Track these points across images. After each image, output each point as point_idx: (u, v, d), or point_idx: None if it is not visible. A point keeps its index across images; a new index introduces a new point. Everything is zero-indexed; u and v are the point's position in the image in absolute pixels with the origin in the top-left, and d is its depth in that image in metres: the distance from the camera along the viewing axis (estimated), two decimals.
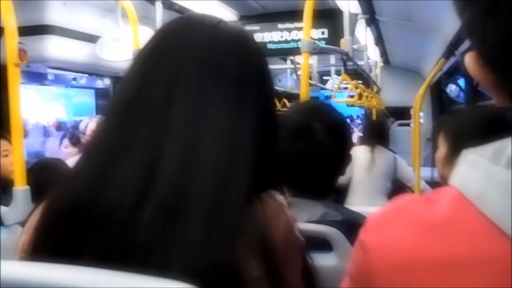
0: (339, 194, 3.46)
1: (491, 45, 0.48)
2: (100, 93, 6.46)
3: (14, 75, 1.79)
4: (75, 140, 3.90)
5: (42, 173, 2.19)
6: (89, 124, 3.31)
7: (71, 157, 3.84)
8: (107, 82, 5.69)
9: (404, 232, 0.56)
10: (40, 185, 2.10)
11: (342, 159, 1.35)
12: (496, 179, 0.48)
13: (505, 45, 0.47)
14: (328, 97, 7.03)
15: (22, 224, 1.91)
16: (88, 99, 6.80)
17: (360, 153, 3.61)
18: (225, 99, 0.67)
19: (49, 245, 0.64)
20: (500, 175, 0.48)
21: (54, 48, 2.87)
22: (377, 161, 3.63)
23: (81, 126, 3.34)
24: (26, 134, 3.35)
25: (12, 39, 1.77)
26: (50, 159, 2.68)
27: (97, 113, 6.77)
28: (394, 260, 0.56)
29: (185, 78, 0.67)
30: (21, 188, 1.82)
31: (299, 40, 4.12)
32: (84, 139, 3.32)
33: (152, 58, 0.70)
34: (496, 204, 0.48)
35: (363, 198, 3.56)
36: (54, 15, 2.86)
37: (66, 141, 3.82)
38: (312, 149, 1.28)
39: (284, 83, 6.13)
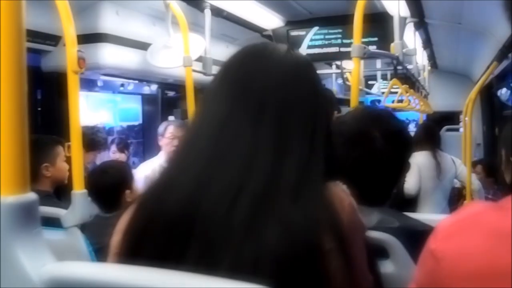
0: (406, 205, 3.30)
1: None
2: (146, 99, 6.57)
3: (73, 83, 1.85)
4: (122, 146, 3.99)
5: (103, 176, 2.24)
6: (168, 127, 3.35)
7: None
8: (153, 88, 5.78)
9: (479, 241, 0.55)
10: (102, 188, 2.16)
11: (400, 167, 1.32)
12: None
13: None
14: (374, 102, 6.96)
15: (81, 226, 1.99)
16: (134, 105, 6.93)
17: (424, 160, 3.47)
18: (304, 112, 0.82)
19: (150, 246, 0.74)
20: None
21: (108, 55, 2.94)
22: (442, 166, 3.51)
23: (160, 129, 3.41)
24: (104, 148, 3.51)
25: (72, 47, 1.83)
26: (112, 162, 2.70)
27: (143, 119, 6.90)
28: (468, 269, 0.55)
29: (272, 98, 0.81)
30: (79, 191, 1.87)
31: (345, 44, 4.10)
32: (162, 142, 3.37)
33: (239, 81, 0.83)
34: None
35: (433, 205, 3.43)
36: (108, 23, 2.94)
37: (113, 147, 3.90)
38: (369, 157, 1.26)
39: (329, 87, 6.09)
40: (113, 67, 3.09)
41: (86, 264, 0.57)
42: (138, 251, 0.74)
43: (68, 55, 1.83)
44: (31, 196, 0.57)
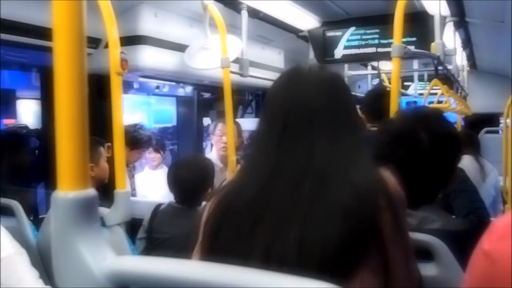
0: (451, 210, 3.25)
1: None
2: (181, 101, 6.63)
3: (116, 84, 1.89)
4: (158, 147, 4.07)
5: (186, 171, 2.24)
6: (218, 125, 3.48)
7: (153, 163, 4.02)
8: (188, 90, 5.83)
9: None
10: (182, 182, 2.16)
11: (447, 171, 1.29)
12: None
13: None
14: (409, 103, 6.84)
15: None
16: (168, 106, 7.01)
17: (468, 164, 3.29)
18: (345, 112, 1.00)
19: (228, 229, 0.92)
20: None
21: (147, 57, 2.97)
22: (485, 169, 3.42)
23: (211, 128, 3.61)
24: (148, 146, 3.63)
25: (115, 49, 1.86)
26: (197, 158, 2.68)
27: (178, 121, 6.96)
28: None
29: (318, 109, 0.96)
30: (122, 191, 1.90)
31: (382, 45, 4.04)
32: (213, 140, 3.53)
33: (287, 102, 0.98)
34: None
35: None
36: (147, 26, 2.97)
37: (150, 148, 3.98)
38: (414, 158, 1.23)
39: (364, 88, 6.03)
40: (151, 68, 3.13)
41: (146, 259, 0.58)
42: (217, 234, 0.93)
43: (112, 57, 1.87)
44: (91, 192, 0.58)
